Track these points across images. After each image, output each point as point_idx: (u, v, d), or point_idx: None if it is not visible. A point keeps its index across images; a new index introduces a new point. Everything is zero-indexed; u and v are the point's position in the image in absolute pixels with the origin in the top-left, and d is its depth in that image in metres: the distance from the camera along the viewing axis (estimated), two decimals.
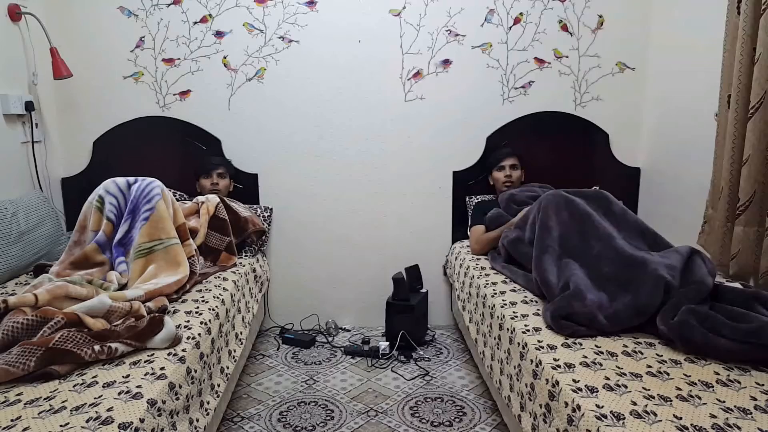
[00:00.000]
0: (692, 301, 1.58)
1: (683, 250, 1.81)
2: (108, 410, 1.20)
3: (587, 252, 1.91)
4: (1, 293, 1.98)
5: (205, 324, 1.78)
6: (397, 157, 2.96)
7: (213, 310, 1.90)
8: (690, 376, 1.35)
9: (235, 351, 2.06)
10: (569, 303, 1.69)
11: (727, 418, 1.15)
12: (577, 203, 2.06)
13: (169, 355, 1.51)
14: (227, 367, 1.92)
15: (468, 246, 2.79)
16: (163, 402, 1.32)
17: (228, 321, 2.04)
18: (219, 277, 2.26)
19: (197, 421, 1.53)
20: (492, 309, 2.00)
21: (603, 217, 2.00)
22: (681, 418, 1.15)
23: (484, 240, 2.59)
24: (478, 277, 2.31)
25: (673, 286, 1.64)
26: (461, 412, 2.19)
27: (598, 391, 1.28)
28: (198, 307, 1.88)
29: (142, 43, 2.79)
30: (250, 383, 2.44)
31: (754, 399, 1.24)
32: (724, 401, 1.23)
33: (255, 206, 2.89)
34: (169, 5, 2.77)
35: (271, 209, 2.93)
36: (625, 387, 1.30)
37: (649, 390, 1.28)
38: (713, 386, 1.30)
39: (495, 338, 1.92)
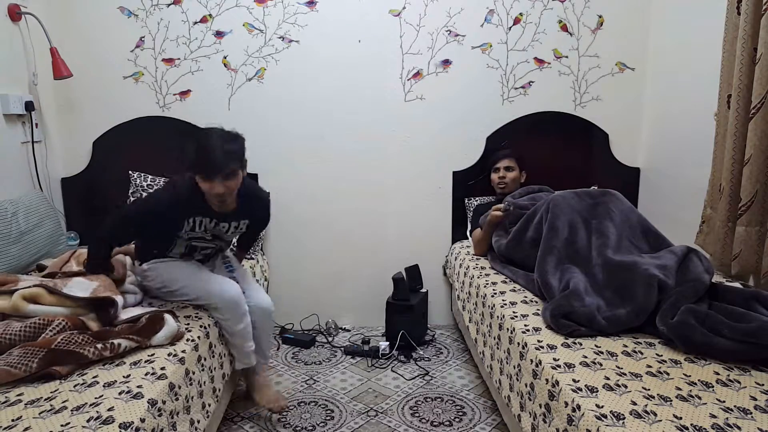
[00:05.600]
0: (689, 299, 1.58)
1: (678, 249, 1.82)
2: (109, 410, 1.20)
3: (588, 258, 1.91)
4: None
5: (204, 328, 1.78)
6: (397, 157, 2.96)
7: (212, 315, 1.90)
8: (690, 376, 1.36)
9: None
10: (569, 302, 1.69)
11: (727, 418, 1.15)
12: (585, 205, 2.06)
13: (169, 355, 1.51)
14: (226, 367, 1.92)
15: (468, 246, 2.80)
16: (164, 402, 1.33)
17: None
18: None
19: (197, 422, 1.53)
20: (492, 309, 2.00)
21: (608, 218, 2.00)
22: (681, 418, 1.16)
23: (475, 240, 2.61)
24: (478, 277, 2.31)
25: (668, 284, 1.64)
26: (461, 412, 2.19)
27: (598, 391, 1.28)
28: (197, 313, 1.89)
29: (142, 43, 2.79)
30: None
31: (754, 399, 1.24)
32: (724, 401, 1.23)
33: None
34: (169, 5, 2.77)
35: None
36: (625, 387, 1.30)
37: (649, 390, 1.28)
38: (713, 386, 1.30)
39: (495, 338, 1.92)
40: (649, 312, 1.61)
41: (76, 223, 2.84)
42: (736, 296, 1.64)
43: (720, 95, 2.12)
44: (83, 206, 2.85)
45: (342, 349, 2.79)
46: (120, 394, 1.27)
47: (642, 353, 1.49)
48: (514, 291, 2.08)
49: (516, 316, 1.81)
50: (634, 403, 1.22)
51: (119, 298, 1.67)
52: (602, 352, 1.50)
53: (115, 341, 1.47)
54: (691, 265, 1.74)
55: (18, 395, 1.27)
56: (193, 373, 1.57)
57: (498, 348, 1.88)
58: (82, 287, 1.68)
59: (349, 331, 3.06)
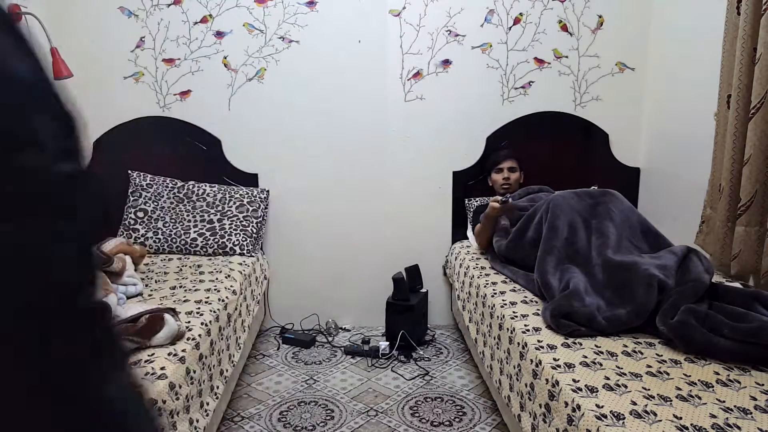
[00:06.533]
0: (689, 299, 1.58)
1: (678, 249, 1.82)
2: None
3: (588, 259, 1.91)
4: None
5: (206, 325, 1.78)
6: (397, 157, 2.96)
7: (214, 312, 1.90)
8: (690, 376, 1.35)
9: (234, 355, 2.07)
10: (569, 302, 1.69)
11: (727, 418, 1.15)
12: (585, 205, 2.06)
13: (169, 355, 1.51)
14: (226, 370, 1.92)
15: (468, 246, 2.80)
16: (164, 402, 1.33)
17: (229, 325, 2.04)
18: (223, 281, 2.25)
19: (197, 421, 1.53)
20: (492, 309, 2.00)
21: (608, 218, 2.00)
22: (681, 418, 1.16)
23: (476, 234, 2.62)
24: (478, 277, 2.31)
25: (668, 284, 1.64)
26: (461, 412, 2.19)
27: (598, 391, 1.28)
28: (199, 308, 1.89)
29: (142, 44, 2.79)
30: (251, 383, 2.44)
31: (754, 399, 1.24)
32: (724, 401, 1.23)
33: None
34: (169, 5, 2.77)
35: (268, 191, 2.89)
36: (625, 387, 1.30)
37: (649, 390, 1.28)
38: (713, 386, 1.30)
39: (495, 338, 1.92)
40: (649, 312, 1.61)
41: None
42: (736, 296, 1.64)
43: (720, 95, 2.12)
44: None
45: (342, 349, 2.79)
46: None
47: (642, 353, 1.49)
48: (514, 291, 2.08)
49: (516, 316, 1.81)
50: (634, 403, 1.22)
51: (111, 299, 1.66)
52: (602, 352, 1.50)
53: None
54: (691, 265, 1.74)
55: None
56: (194, 372, 1.57)
57: (498, 348, 1.88)
58: None
59: (349, 331, 3.06)
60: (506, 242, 2.30)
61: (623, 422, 1.15)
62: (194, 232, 2.64)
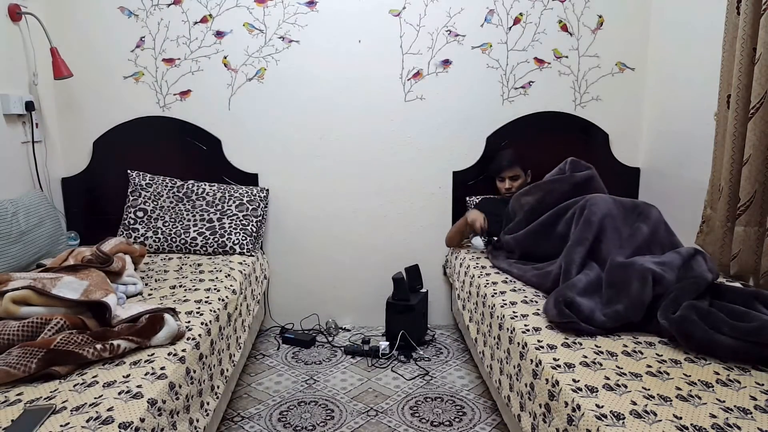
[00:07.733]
0: (690, 294, 1.59)
1: (684, 250, 1.83)
2: (108, 410, 1.20)
3: (606, 259, 1.92)
4: None
5: (206, 325, 1.78)
6: (397, 157, 2.96)
7: (214, 312, 1.90)
8: (690, 375, 1.36)
9: (234, 355, 2.06)
10: (572, 293, 1.73)
11: (727, 418, 1.15)
12: (620, 213, 2.06)
13: (169, 354, 1.51)
14: (227, 370, 1.92)
15: (468, 245, 2.80)
16: (164, 402, 1.33)
17: (229, 324, 2.04)
18: (223, 280, 2.26)
19: (197, 421, 1.53)
20: (492, 309, 2.00)
21: (638, 232, 1.98)
22: (681, 418, 1.16)
23: (451, 228, 2.81)
24: (479, 277, 2.31)
25: (665, 278, 1.66)
26: (461, 412, 2.19)
27: (598, 391, 1.28)
28: (199, 308, 1.89)
29: (142, 43, 2.79)
30: (251, 383, 2.44)
31: (754, 399, 1.24)
32: (724, 401, 1.23)
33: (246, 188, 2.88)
34: (169, 5, 2.77)
35: (268, 190, 2.90)
36: (625, 387, 1.30)
37: (649, 390, 1.28)
38: (713, 386, 1.30)
39: (495, 338, 1.92)
40: (644, 305, 1.63)
41: (76, 222, 2.84)
42: (737, 296, 1.64)
43: (720, 95, 2.12)
44: (83, 206, 2.85)
45: (342, 349, 2.79)
46: (120, 393, 1.27)
47: (642, 353, 1.49)
48: (515, 291, 2.08)
49: (516, 316, 1.81)
50: (634, 403, 1.22)
51: (111, 298, 1.65)
52: (602, 352, 1.50)
53: (115, 342, 1.47)
54: (694, 264, 1.76)
55: (18, 395, 1.27)
56: (194, 372, 1.57)
57: (498, 348, 1.88)
58: (72, 287, 1.66)
59: (349, 330, 3.06)
60: (524, 232, 2.30)
61: (623, 422, 1.15)
62: (194, 231, 2.64)
